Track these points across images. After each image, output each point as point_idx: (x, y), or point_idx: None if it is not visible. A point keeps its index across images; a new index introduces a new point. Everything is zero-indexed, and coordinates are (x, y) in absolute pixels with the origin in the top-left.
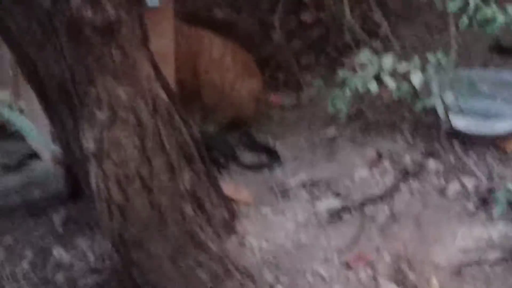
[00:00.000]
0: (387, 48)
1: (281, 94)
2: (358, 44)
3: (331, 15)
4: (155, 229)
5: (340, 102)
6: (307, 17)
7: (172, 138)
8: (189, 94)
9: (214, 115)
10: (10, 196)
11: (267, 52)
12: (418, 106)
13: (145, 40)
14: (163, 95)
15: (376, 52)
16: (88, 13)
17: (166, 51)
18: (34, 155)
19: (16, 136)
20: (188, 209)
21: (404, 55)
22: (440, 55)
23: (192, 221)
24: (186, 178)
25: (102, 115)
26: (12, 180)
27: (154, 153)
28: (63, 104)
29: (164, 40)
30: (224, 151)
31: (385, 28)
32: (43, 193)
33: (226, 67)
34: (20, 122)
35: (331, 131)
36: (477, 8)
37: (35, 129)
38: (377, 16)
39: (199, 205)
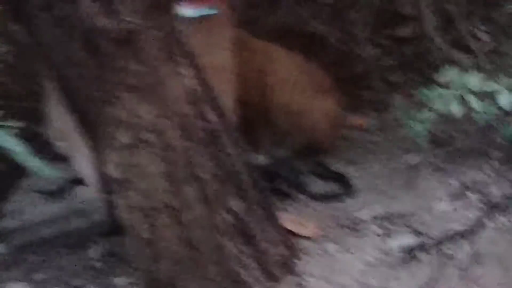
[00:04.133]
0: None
1: (364, 115)
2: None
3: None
4: (189, 267)
5: (419, 124)
6: (404, 32)
7: (210, 165)
8: (257, 116)
9: (285, 140)
10: (47, 226)
11: (355, 69)
12: (507, 131)
13: (175, 54)
14: (206, 116)
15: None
16: (103, 21)
17: (222, 65)
18: (79, 181)
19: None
20: (229, 246)
21: (498, 75)
22: None
23: (234, 259)
24: (231, 209)
25: (122, 138)
26: (50, 208)
27: (185, 182)
28: (85, 125)
29: (220, 52)
30: (290, 179)
31: (484, 45)
32: (83, 223)
33: (297, 87)
34: (6, 141)
35: (413, 157)
36: None
37: (24, 149)
38: (479, 32)
39: (248, 241)
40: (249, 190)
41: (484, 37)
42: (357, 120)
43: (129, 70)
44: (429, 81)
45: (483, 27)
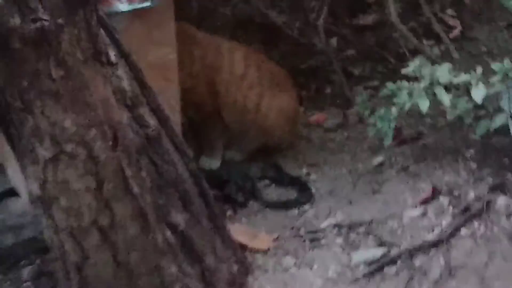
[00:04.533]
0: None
1: (325, 112)
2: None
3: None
4: None
5: (384, 122)
6: (365, 20)
7: (145, 177)
8: (206, 116)
9: (239, 142)
10: None
11: (314, 61)
12: (481, 128)
13: (100, 54)
14: (143, 120)
15: (435, 60)
16: (15, 20)
17: (164, 62)
18: (12, 192)
19: None
20: (170, 266)
21: (470, 64)
22: (507, 64)
23: (175, 281)
24: (171, 224)
25: (43, 150)
26: None
27: (116, 198)
28: (5, 136)
29: (161, 49)
30: (242, 185)
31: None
32: (14, 239)
33: (250, 84)
34: None
35: (378, 158)
36: None
37: None
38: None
39: (193, 260)
40: (194, 200)
41: (452, 21)
42: (316, 117)
43: (48, 74)
44: (394, 74)
45: (449, 11)
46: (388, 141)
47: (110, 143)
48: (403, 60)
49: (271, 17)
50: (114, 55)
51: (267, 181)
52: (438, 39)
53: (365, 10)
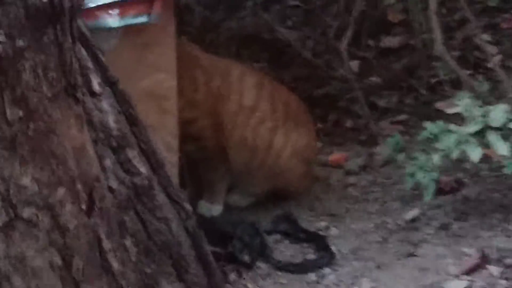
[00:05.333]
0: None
1: (346, 150)
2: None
3: (422, 40)
4: None
5: (424, 174)
6: (392, 42)
7: (130, 247)
8: (209, 155)
9: (245, 184)
10: None
11: (331, 88)
12: None
13: (74, 87)
14: (130, 166)
15: (482, 97)
16: None
17: (163, 90)
18: None
19: None
20: None
21: None
22: None
23: None
24: None
25: None
26: None
27: (89, 279)
28: None
29: (160, 73)
30: (249, 240)
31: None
32: None
33: (262, 117)
34: None
35: (412, 211)
36: None
37: None
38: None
39: None
40: (191, 267)
41: (489, 48)
42: (335, 156)
43: (1, 115)
44: (426, 107)
45: (485, 36)
46: (428, 197)
47: (84, 206)
48: (435, 91)
49: (282, 33)
50: (98, 83)
51: (278, 236)
52: (475, 69)
53: (389, 31)
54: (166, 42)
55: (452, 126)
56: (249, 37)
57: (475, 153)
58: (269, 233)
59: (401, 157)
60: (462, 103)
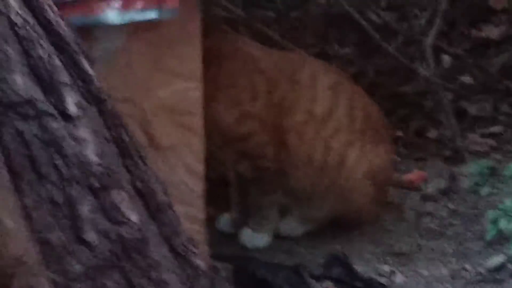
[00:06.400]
0: None
1: (427, 169)
2: None
3: None
4: None
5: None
6: (492, 32)
7: None
8: (265, 175)
9: (303, 209)
10: None
11: (419, 86)
12: None
13: None
14: (120, 213)
15: None
16: None
17: (185, 102)
18: None
19: None
20: None
21: None
22: None
23: None
24: None
25: None
26: None
27: None
28: None
29: (181, 81)
30: None
31: None
32: None
33: (336, 127)
34: None
35: (498, 259)
36: None
37: None
38: None
39: None
40: None
41: None
42: (412, 175)
43: None
44: None
45: None
46: None
47: None
48: None
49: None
50: (76, 102)
51: (329, 283)
52: None
53: (489, 18)
54: (188, 42)
55: None
56: (340, 16)
57: None
58: (318, 278)
59: (485, 191)
60: None
